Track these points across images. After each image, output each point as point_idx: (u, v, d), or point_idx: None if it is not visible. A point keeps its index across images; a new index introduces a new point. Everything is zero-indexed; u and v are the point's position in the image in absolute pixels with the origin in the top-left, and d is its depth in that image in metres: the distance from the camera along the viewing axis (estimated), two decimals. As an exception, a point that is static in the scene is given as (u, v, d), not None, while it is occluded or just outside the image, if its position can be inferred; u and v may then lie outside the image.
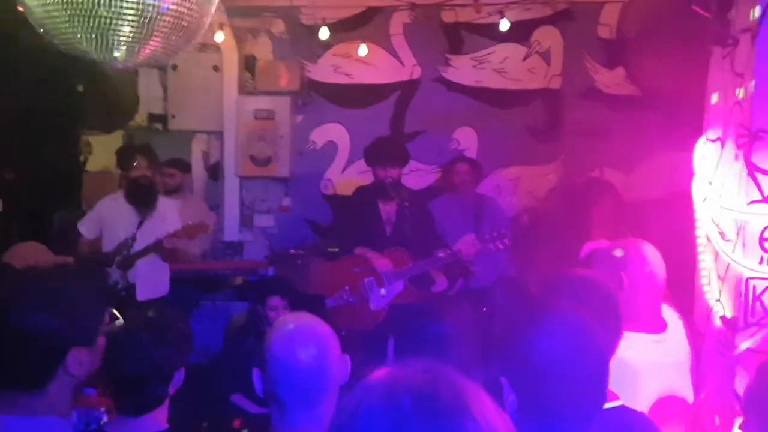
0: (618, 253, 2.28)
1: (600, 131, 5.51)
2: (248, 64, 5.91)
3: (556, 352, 1.50)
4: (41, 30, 2.34)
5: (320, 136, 6.03)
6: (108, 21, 2.21)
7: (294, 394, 1.53)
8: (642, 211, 5.04)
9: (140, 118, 5.77)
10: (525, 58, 5.77)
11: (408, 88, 5.91)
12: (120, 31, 2.23)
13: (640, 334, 2.21)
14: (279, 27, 5.92)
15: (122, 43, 2.25)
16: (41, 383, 1.38)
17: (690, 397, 2.36)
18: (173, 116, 5.82)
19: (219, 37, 5.42)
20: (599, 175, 5.42)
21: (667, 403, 2.26)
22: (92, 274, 4.01)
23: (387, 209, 4.26)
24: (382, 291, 4.13)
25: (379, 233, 4.23)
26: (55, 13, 2.20)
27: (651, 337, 2.27)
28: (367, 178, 5.10)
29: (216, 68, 5.81)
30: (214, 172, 6.03)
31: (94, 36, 2.23)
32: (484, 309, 4.09)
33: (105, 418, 1.99)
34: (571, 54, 5.70)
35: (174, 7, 2.27)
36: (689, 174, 2.79)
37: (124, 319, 1.78)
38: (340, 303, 4.16)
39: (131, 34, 2.25)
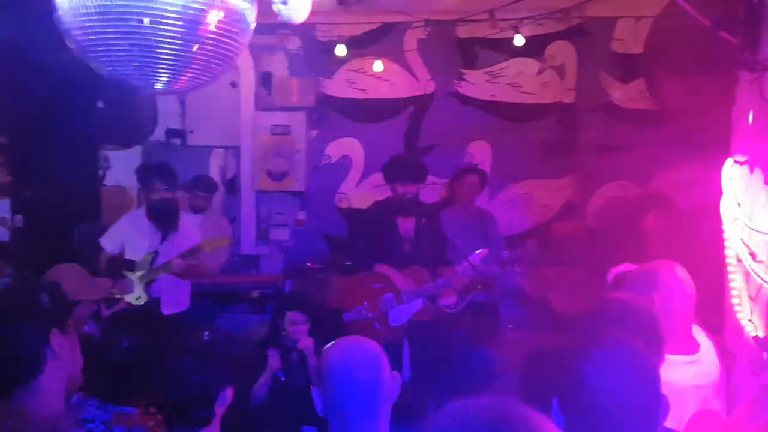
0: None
1: (614, 145, 5.56)
2: (264, 80, 5.97)
3: (614, 381, 1.53)
4: (83, 56, 2.38)
5: (335, 150, 6.08)
6: (151, 48, 2.25)
7: (354, 405, 1.61)
8: (656, 229, 5.07)
9: (158, 133, 5.81)
10: (539, 73, 5.82)
11: (422, 102, 5.97)
12: (162, 58, 2.27)
13: (674, 356, 2.24)
14: (295, 43, 5.98)
15: (165, 71, 2.29)
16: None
17: (722, 415, 2.38)
18: (191, 131, 5.87)
19: (237, 53, 5.46)
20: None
21: (701, 420, 2.28)
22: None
23: (405, 226, 4.28)
24: (400, 308, 4.14)
25: (398, 249, 4.25)
26: (100, 41, 2.24)
27: (685, 358, 2.30)
28: (382, 192, 5.13)
29: (233, 84, 5.86)
30: (231, 186, 6.07)
31: (137, 63, 2.27)
32: (510, 326, 4.10)
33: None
34: (585, 68, 5.75)
35: (215, 36, 2.31)
36: (709, 191, 2.83)
37: (168, 348, 1.82)
38: (359, 318, 4.16)
39: (174, 62, 2.28)
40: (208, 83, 2.39)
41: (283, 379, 3.65)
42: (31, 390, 1.46)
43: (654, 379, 1.54)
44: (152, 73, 2.33)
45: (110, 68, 2.31)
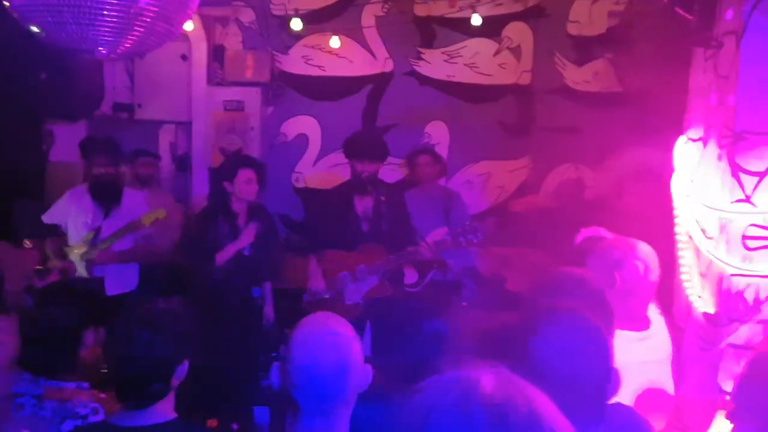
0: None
1: (569, 127, 5.60)
2: (217, 53, 5.79)
3: (564, 353, 1.51)
4: (20, 18, 2.23)
5: (291, 128, 5.96)
6: (92, 11, 2.12)
7: (311, 400, 1.50)
8: (609, 207, 5.15)
9: (105, 107, 5.60)
10: (496, 54, 5.81)
11: (380, 81, 5.89)
12: (104, 21, 2.15)
13: (625, 332, 2.25)
14: (249, 16, 5.81)
15: (105, 34, 2.17)
16: None
17: (671, 390, 2.41)
18: (139, 106, 5.67)
19: (188, 25, 5.27)
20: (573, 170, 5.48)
21: (650, 396, 2.30)
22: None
23: (363, 204, 4.23)
24: (356, 285, 4.12)
25: (355, 229, 4.20)
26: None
27: (635, 335, 2.31)
28: (339, 172, 5.05)
29: (184, 57, 5.67)
30: (182, 163, 5.89)
31: (77, 26, 2.14)
32: (464, 303, 4.11)
33: (98, 411, 1.95)
34: (541, 50, 5.76)
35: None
36: (662, 171, 2.86)
37: (124, 318, 1.74)
38: (317, 298, 4.13)
39: (114, 25, 2.16)
40: (154, 47, 2.27)
41: (247, 254, 3.97)
42: None
43: (605, 352, 1.53)
44: (93, 36, 2.20)
45: (46, 30, 2.17)
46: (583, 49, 5.70)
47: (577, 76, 5.74)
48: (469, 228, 3.98)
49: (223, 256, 4.01)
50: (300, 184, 5.98)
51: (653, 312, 2.41)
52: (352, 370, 1.52)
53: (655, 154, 3.09)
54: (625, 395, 2.18)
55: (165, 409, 1.76)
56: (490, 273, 4.65)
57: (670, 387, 2.40)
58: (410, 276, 4.32)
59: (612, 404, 1.80)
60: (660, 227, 2.94)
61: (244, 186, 4.00)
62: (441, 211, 4.95)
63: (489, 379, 0.90)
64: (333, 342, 1.52)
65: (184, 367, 1.77)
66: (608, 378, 1.59)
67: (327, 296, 4.12)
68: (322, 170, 5.90)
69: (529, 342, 1.53)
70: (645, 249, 2.26)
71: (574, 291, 1.92)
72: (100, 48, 2.23)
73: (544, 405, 0.90)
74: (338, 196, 4.30)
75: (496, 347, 1.74)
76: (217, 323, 3.81)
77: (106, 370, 2.43)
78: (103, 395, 2.13)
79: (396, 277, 4.16)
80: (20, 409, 1.95)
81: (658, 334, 2.38)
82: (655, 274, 2.24)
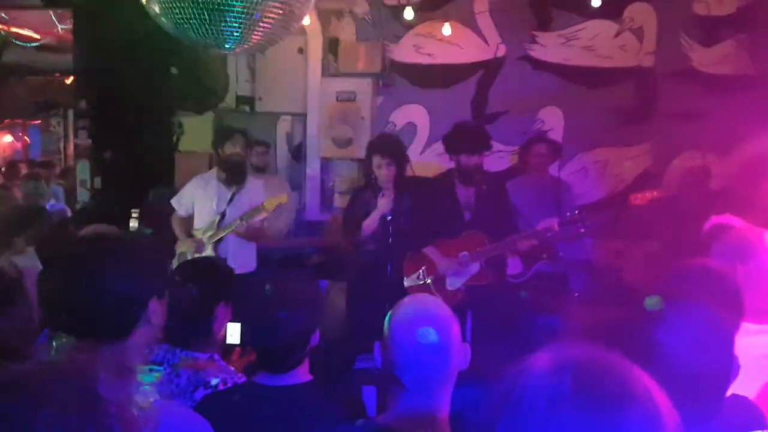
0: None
1: (694, 112, 5.29)
2: (332, 46, 5.95)
3: (683, 346, 1.46)
4: (158, 16, 2.41)
5: (400, 117, 6.02)
6: (221, 9, 2.26)
7: (411, 377, 1.52)
8: (738, 197, 4.81)
9: (229, 100, 5.91)
10: (616, 35, 5.56)
11: (492, 67, 5.81)
12: (231, 18, 2.27)
13: (749, 324, 2.13)
14: (362, 8, 5.92)
15: (234, 31, 2.30)
16: (126, 332, 1.43)
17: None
18: (260, 98, 5.94)
19: (305, 19, 5.46)
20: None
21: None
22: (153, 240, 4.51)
23: (466, 194, 4.22)
24: (457, 272, 4.12)
25: (457, 217, 4.21)
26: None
27: (756, 327, 2.18)
28: (446, 160, 5.03)
29: (301, 50, 5.87)
30: (298, 153, 6.12)
31: (207, 24, 2.28)
32: (576, 294, 4.00)
33: (227, 382, 2.08)
34: (665, 31, 5.46)
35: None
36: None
37: (256, 294, 1.91)
38: (417, 283, 4.18)
39: (242, 22, 2.29)
40: (275, 42, 2.38)
41: (390, 218, 4.07)
42: (115, 347, 1.42)
43: (728, 344, 1.46)
44: (219, 32, 2.35)
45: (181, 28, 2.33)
46: (711, 30, 5.35)
47: (705, 58, 5.39)
48: (577, 217, 3.87)
49: (369, 224, 4.20)
50: (408, 173, 6.02)
51: None
52: (452, 349, 1.54)
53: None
54: (744, 390, 2.07)
55: (302, 372, 1.90)
56: (604, 265, 4.49)
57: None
58: (514, 266, 4.26)
59: (731, 396, 1.72)
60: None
61: (378, 170, 4.21)
62: (551, 201, 4.84)
63: (581, 353, 0.90)
64: (433, 320, 1.55)
65: (317, 335, 1.91)
66: (729, 370, 1.52)
67: (430, 281, 4.17)
68: (429, 158, 5.92)
69: (649, 333, 1.50)
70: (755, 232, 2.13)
71: (698, 281, 1.85)
72: (227, 44, 2.36)
73: (644, 383, 0.88)
74: (441, 185, 4.31)
75: (612, 339, 1.70)
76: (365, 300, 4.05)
77: (238, 344, 2.60)
78: (232, 367, 2.28)
79: (498, 266, 4.12)
80: (159, 377, 2.10)
81: None
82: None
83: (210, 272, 2.27)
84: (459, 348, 1.57)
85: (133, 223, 4.48)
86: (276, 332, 1.83)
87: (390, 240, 4.12)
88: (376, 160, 4.20)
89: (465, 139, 4.14)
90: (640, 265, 3.96)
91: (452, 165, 4.32)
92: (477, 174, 4.12)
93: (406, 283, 4.18)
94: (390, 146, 4.28)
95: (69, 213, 6.16)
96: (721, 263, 1.96)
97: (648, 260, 3.85)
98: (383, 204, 4.14)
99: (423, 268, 4.17)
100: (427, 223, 4.20)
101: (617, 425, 0.85)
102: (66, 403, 0.85)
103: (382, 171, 4.17)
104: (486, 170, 4.38)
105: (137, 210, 4.64)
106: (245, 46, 2.36)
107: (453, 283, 4.12)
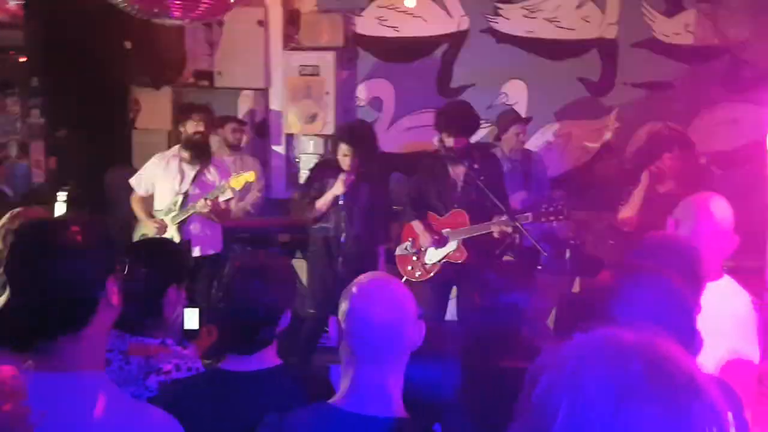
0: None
1: (658, 83, 5.30)
2: (292, 18, 5.81)
3: (640, 320, 1.44)
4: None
5: (366, 91, 5.93)
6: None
7: (364, 347, 1.54)
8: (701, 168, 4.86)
9: (187, 75, 5.75)
10: (579, 6, 5.53)
11: (456, 40, 5.74)
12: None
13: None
14: (323, -22, 5.79)
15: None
16: (82, 320, 1.35)
17: (756, 358, 2.30)
18: (219, 73, 5.79)
19: (264, -10, 5.33)
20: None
21: (733, 366, 2.20)
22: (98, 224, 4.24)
23: (456, 171, 4.22)
24: (435, 248, 4.21)
25: (449, 194, 4.21)
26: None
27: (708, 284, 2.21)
28: (414, 135, 5.00)
29: (260, 23, 5.72)
30: (261, 129, 6.00)
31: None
32: (539, 267, 4.02)
33: (180, 367, 2.02)
34: (627, 2, 5.45)
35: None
36: (757, 126, 2.66)
37: (230, 266, 1.87)
38: (404, 253, 4.34)
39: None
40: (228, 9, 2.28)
41: (341, 201, 4.12)
42: (73, 342, 1.34)
43: (689, 314, 1.45)
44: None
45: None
46: (673, 0, 5.35)
47: (667, 28, 5.40)
48: (553, 210, 3.89)
49: (322, 204, 4.20)
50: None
51: (732, 284, 2.29)
52: (406, 323, 1.56)
53: (749, 108, 2.88)
54: (708, 365, 2.10)
55: (270, 356, 1.85)
56: (568, 237, 4.52)
57: (753, 356, 2.28)
58: (492, 244, 4.29)
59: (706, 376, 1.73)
60: (752, 185, 2.75)
61: (343, 158, 4.17)
62: (521, 174, 4.84)
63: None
64: (389, 293, 1.58)
65: (287, 316, 1.85)
66: (691, 344, 1.52)
67: (413, 252, 4.28)
68: (397, 133, 5.86)
69: (611, 305, 1.49)
70: (715, 202, 2.18)
71: (656, 253, 1.85)
72: (174, 12, 2.25)
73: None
74: (434, 161, 4.30)
75: (577, 312, 1.70)
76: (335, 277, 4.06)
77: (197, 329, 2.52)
78: (186, 351, 2.21)
79: (477, 244, 4.14)
80: (108, 365, 2.03)
81: (733, 293, 2.26)
82: (722, 225, 2.15)
83: (161, 253, 2.19)
84: (413, 325, 1.58)
85: (61, 206, 4.29)
86: (247, 302, 1.78)
87: (343, 223, 4.16)
88: (342, 148, 4.17)
89: (457, 120, 4.14)
90: (602, 236, 3.99)
91: (420, 140, 4.34)
92: (471, 152, 4.12)
93: (397, 252, 4.37)
94: (358, 138, 4.22)
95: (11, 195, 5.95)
96: (680, 235, 1.96)
97: (610, 232, 3.88)
98: (338, 186, 4.14)
99: (410, 239, 4.31)
100: (421, 197, 4.29)
101: (685, 416, 0.82)
102: None
103: (347, 160, 4.15)
104: (476, 149, 4.36)
105: (65, 189, 4.44)
106: (193, 14, 2.25)
107: (431, 258, 4.25)
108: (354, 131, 4.33)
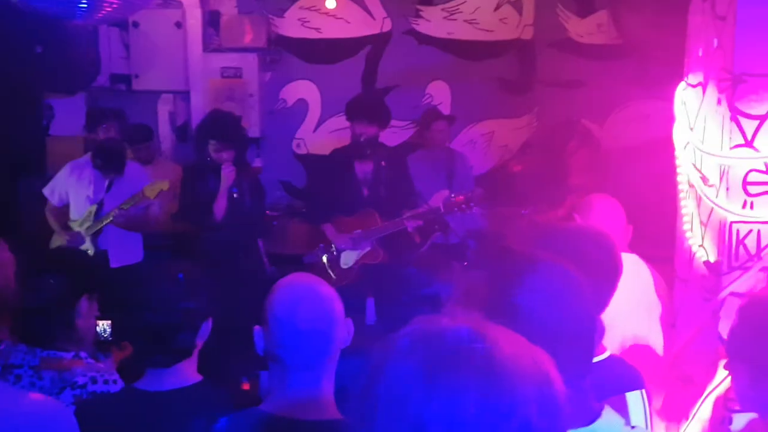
0: None
1: (574, 82, 5.49)
2: (212, 19, 5.71)
3: (543, 307, 1.48)
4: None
5: (290, 93, 5.89)
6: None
7: (295, 355, 1.50)
8: (618, 161, 5.08)
9: (103, 79, 5.55)
10: (496, 8, 5.67)
11: (379, 41, 5.78)
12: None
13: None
14: (242, -21, 5.71)
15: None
16: None
17: (659, 347, 2.41)
18: (136, 76, 5.61)
19: (181, -9, 5.21)
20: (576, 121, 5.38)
21: (635, 351, 2.30)
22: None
23: (363, 169, 4.21)
24: (351, 250, 4.15)
25: (355, 194, 4.19)
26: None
27: None
28: (340, 137, 4.97)
29: (178, 25, 5.59)
30: (182, 133, 5.86)
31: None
32: (465, 263, 4.09)
33: (97, 380, 1.95)
34: (542, 3, 5.62)
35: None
36: (667, 121, 2.79)
37: (152, 274, 1.84)
38: (315, 260, 4.20)
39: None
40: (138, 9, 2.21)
41: (236, 194, 4.05)
42: None
43: (584, 300, 1.50)
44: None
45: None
46: (586, 1, 5.56)
47: (581, 29, 5.60)
48: (464, 197, 3.94)
49: (219, 204, 4.06)
50: (301, 150, 5.93)
51: (630, 263, 2.40)
52: (335, 326, 1.54)
53: (654, 104, 3.03)
54: (610, 349, 2.18)
55: (190, 370, 1.78)
56: (491, 233, 4.62)
57: (656, 342, 2.39)
58: (410, 241, 4.30)
59: (608, 357, 1.79)
60: (660, 179, 2.89)
61: (216, 155, 4.04)
62: (444, 173, 4.91)
63: (452, 322, 0.88)
64: (315, 297, 1.55)
65: (208, 325, 1.79)
66: (591, 330, 1.57)
67: (326, 258, 4.17)
68: (323, 135, 5.85)
69: (510, 293, 1.52)
70: (600, 202, 2.38)
71: (555, 244, 1.90)
72: (80, 12, 2.17)
73: (531, 354, 0.88)
74: (338, 161, 4.27)
75: (479, 300, 1.73)
76: (229, 284, 3.86)
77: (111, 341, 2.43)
78: (101, 364, 2.14)
79: (394, 243, 4.15)
80: (18, 381, 1.95)
81: (634, 278, 2.37)
82: (616, 221, 2.32)
83: (70, 263, 2.11)
84: (342, 325, 1.57)
85: None
86: (163, 306, 1.71)
87: (241, 218, 4.07)
88: (213, 145, 4.02)
89: (365, 107, 4.12)
90: (523, 230, 4.09)
91: (348, 142, 4.31)
92: (374, 147, 4.12)
93: (306, 259, 4.20)
94: (225, 131, 4.09)
95: None
96: (597, 226, 2.04)
97: (530, 225, 3.98)
98: (226, 177, 4.00)
99: (321, 245, 4.19)
100: (326, 199, 4.16)
101: (498, 390, 0.83)
102: None
103: (222, 155, 4.02)
104: (385, 145, 4.38)
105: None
106: (99, 15, 2.18)
107: (347, 261, 4.16)
108: (218, 124, 4.18)
